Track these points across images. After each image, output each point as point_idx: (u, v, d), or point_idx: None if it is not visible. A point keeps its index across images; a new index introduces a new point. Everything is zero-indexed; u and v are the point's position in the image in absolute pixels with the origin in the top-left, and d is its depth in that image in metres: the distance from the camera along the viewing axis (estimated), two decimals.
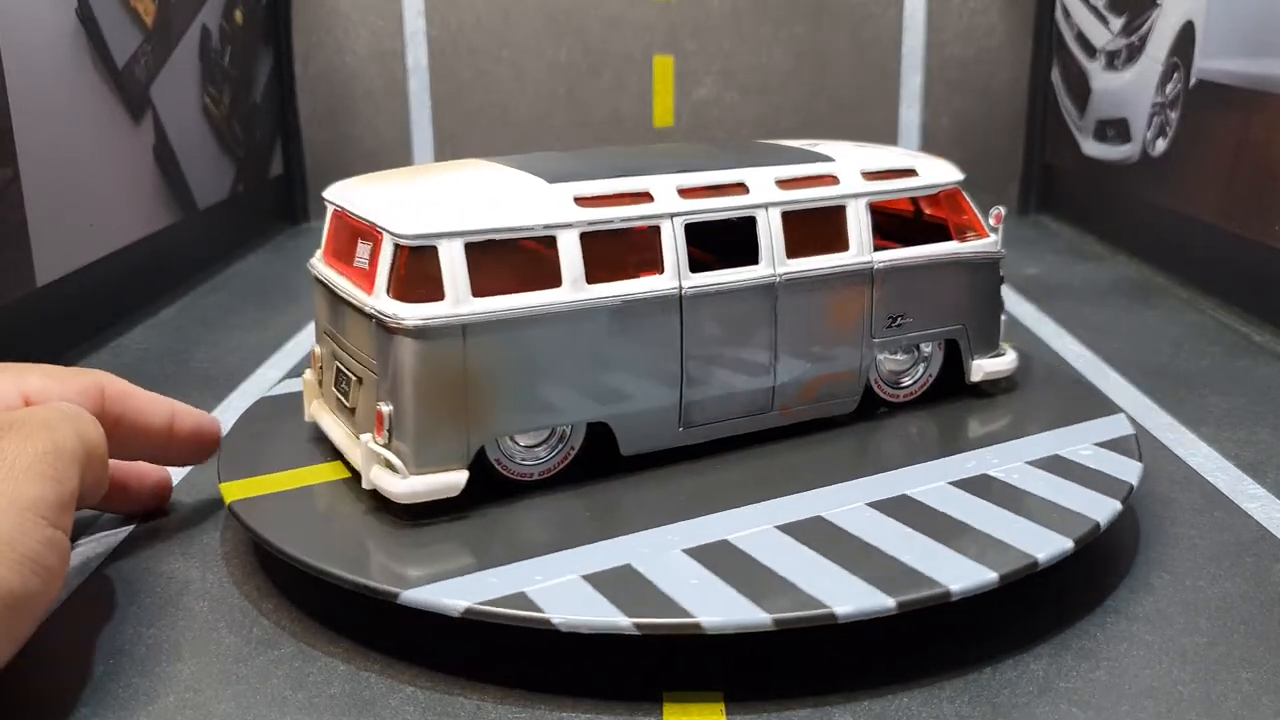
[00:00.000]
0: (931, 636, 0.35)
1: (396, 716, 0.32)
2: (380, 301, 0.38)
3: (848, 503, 0.39)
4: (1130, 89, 0.89)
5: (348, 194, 0.42)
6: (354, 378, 0.40)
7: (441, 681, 0.34)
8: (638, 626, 0.32)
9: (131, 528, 0.44)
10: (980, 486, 0.40)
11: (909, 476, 0.41)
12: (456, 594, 0.33)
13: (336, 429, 0.42)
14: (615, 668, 0.34)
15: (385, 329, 0.37)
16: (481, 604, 0.33)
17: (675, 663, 0.34)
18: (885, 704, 0.32)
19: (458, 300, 0.37)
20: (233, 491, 0.40)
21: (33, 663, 0.34)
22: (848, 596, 0.33)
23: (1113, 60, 0.93)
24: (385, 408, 0.38)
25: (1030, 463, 0.42)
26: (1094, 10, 0.97)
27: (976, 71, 1.07)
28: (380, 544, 0.37)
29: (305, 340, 0.70)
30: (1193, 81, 0.78)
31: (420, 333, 0.37)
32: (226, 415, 0.55)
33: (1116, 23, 0.92)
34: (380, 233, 0.38)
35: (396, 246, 0.38)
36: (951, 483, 0.41)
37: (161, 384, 0.45)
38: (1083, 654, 0.35)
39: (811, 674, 0.34)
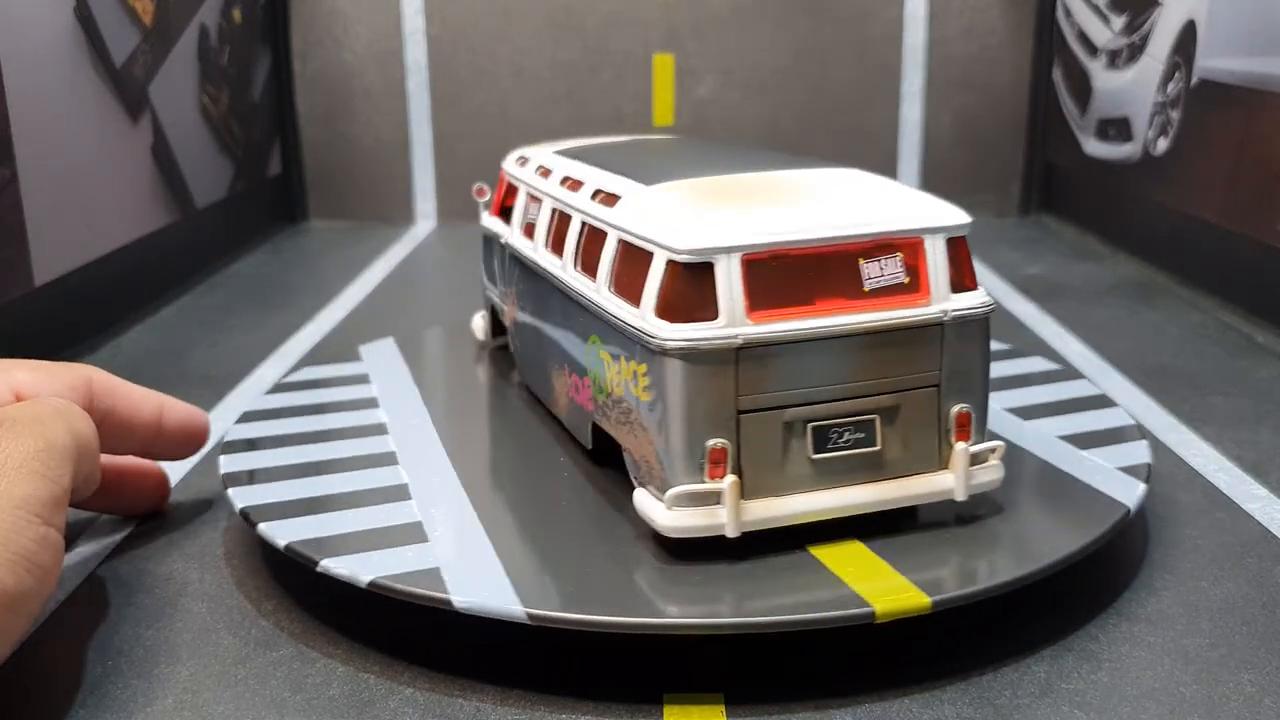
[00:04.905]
0: (932, 638, 0.35)
1: (395, 718, 0.32)
2: (953, 300, 0.37)
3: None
4: (1132, 88, 0.89)
5: (778, 228, 0.36)
6: (872, 417, 0.37)
7: (441, 682, 0.33)
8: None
9: (130, 528, 0.44)
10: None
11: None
12: None
13: (846, 495, 0.37)
14: (615, 670, 0.34)
15: (966, 325, 0.37)
16: None
17: (675, 665, 0.34)
18: (886, 706, 0.32)
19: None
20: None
21: (30, 664, 0.34)
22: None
23: (1114, 59, 0.93)
24: (963, 407, 0.38)
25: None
26: (1095, 9, 0.96)
27: (978, 70, 1.07)
28: None
29: (305, 340, 0.69)
30: (1194, 80, 0.78)
31: (986, 318, 0.38)
32: (226, 415, 0.54)
33: (1118, 21, 0.92)
34: (918, 237, 0.37)
35: (949, 241, 0.37)
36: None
37: (160, 384, 0.45)
38: (1084, 656, 0.34)
39: (812, 676, 0.34)
